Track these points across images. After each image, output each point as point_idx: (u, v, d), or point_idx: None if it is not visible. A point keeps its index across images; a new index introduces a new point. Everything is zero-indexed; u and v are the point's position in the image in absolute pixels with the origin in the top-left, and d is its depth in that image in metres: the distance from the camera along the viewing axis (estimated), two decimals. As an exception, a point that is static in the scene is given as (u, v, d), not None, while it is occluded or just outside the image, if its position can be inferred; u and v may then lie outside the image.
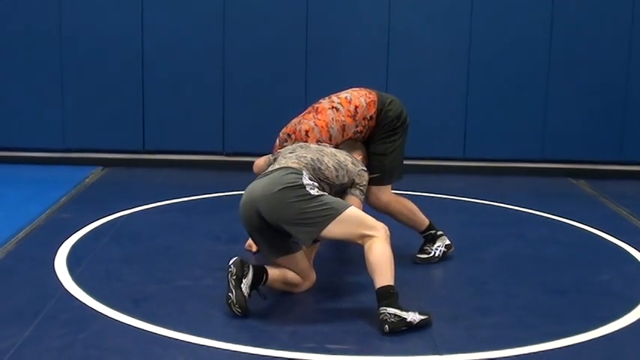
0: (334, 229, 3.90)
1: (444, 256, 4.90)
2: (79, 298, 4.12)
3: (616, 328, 3.90)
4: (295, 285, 4.22)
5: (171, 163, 7.68)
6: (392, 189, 4.82)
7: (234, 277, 3.88)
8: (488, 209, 6.33)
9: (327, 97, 4.73)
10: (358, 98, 4.64)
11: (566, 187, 7.32)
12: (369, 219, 3.97)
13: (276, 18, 7.52)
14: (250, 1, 7.51)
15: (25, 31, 7.47)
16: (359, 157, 4.57)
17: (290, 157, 4.17)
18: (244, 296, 3.87)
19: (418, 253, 4.90)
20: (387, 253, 3.83)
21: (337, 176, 4.18)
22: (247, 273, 3.92)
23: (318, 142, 4.47)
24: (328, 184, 4.14)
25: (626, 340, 3.80)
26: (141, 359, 3.49)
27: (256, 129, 7.42)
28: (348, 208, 3.94)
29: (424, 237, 4.91)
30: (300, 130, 4.54)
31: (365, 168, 4.42)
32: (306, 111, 4.72)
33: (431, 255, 4.88)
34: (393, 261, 3.85)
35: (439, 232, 4.92)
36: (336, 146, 4.52)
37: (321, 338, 3.69)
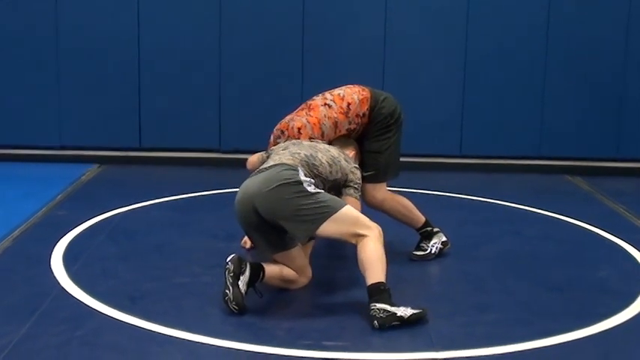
0: (329, 228, 3.91)
1: (441, 253, 4.90)
2: (75, 295, 4.11)
3: (612, 325, 3.91)
4: (292, 281, 4.22)
5: (167, 161, 7.67)
6: (388, 186, 4.81)
7: (232, 275, 3.88)
8: (485, 206, 6.33)
9: (320, 94, 4.73)
10: (351, 95, 4.64)
11: (563, 185, 7.32)
12: (364, 219, 3.98)
13: (273, 16, 7.52)
14: (247, 0, 7.50)
15: (22, 29, 7.46)
16: (352, 154, 4.57)
17: (284, 153, 4.17)
18: (241, 293, 3.87)
19: (414, 250, 4.89)
20: (378, 251, 3.85)
21: (331, 172, 4.18)
22: (245, 270, 3.92)
23: (310, 138, 4.47)
24: (322, 180, 4.14)
25: (623, 337, 3.81)
26: (137, 357, 3.49)
27: (253, 126, 7.41)
28: (344, 207, 3.95)
29: (420, 234, 4.91)
30: (292, 127, 4.54)
31: (357, 165, 4.42)
32: (299, 108, 4.72)
33: (427, 252, 4.88)
34: (384, 259, 3.86)
35: (435, 229, 4.92)
36: (329, 143, 4.52)
37: (318, 335, 3.69)
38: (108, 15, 7.47)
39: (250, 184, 4.03)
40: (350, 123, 4.61)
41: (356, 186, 4.33)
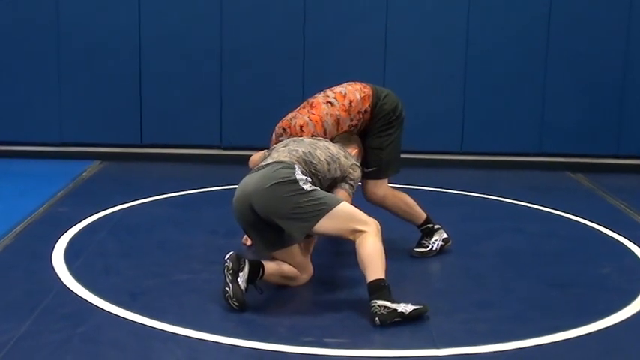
0: (326, 225, 3.91)
1: (442, 250, 4.90)
2: (76, 292, 4.11)
3: (614, 322, 3.91)
4: (292, 278, 4.22)
5: (168, 157, 7.67)
6: (389, 183, 4.81)
7: (231, 271, 3.88)
8: (486, 203, 6.33)
9: (322, 92, 4.72)
10: (353, 92, 4.63)
11: (564, 181, 7.32)
12: (361, 214, 3.98)
13: (274, 13, 7.51)
14: (247, -4, 7.52)
15: (23, 26, 7.46)
16: (355, 151, 4.56)
17: (282, 151, 4.17)
18: (241, 290, 3.88)
19: (415, 247, 4.89)
20: (377, 247, 3.84)
21: (329, 170, 4.18)
22: (243, 267, 3.92)
23: (312, 136, 4.46)
24: (320, 177, 4.14)
25: (624, 334, 3.81)
26: (138, 353, 3.50)
27: (253, 123, 7.42)
28: (340, 204, 3.95)
29: (421, 231, 4.91)
30: (294, 125, 4.54)
31: (357, 163, 4.41)
32: (301, 105, 4.71)
33: (428, 249, 4.88)
34: (384, 255, 3.86)
35: (436, 226, 4.92)
36: (332, 140, 4.51)
37: (319, 332, 3.70)
38: (109, 12, 7.47)
39: (247, 182, 4.03)
40: (352, 120, 4.61)
41: (351, 182, 4.31)
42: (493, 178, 7.32)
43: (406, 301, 3.80)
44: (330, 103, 4.59)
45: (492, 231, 5.49)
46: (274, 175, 3.94)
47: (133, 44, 7.49)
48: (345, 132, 4.63)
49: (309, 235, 4.15)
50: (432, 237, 4.89)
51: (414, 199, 4.90)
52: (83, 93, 7.57)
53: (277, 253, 4.15)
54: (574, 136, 7.68)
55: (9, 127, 7.57)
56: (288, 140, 4.36)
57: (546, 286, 4.45)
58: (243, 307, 3.88)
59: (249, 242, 4.83)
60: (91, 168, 7.22)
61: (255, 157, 4.63)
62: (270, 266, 4.10)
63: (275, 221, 3.94)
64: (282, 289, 4.22)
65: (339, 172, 4.24)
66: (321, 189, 4.08)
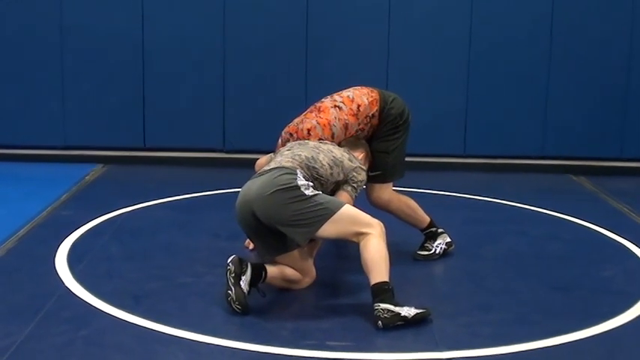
0: (329, 229, 3.90)
1: (445, 254, 4.90)
2: (79, 295, 4.12)
3: (616, 325, 3.90)
4: (295, 282, 4.22)
5: (171, 161, 7.68)
6: (393, 187, 4.81)
7: (233, 275, 3.88)
8: (489, 206, 6.33)
9: (329, 96, 4.72)
10: (360, 97, 4.63)
11: (567, 184, 7.31)
12: (364, 216, 3.97)
13: (277, 15, 7.52)
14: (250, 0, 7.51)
15: (26, 28, 7.47)
16: (362, 155, 4.56)
17: (286, 155, 4.16)
18: (244, 293, 3.88)
19: (419, 250, 4.89)
20: (381, 249, 3.84)
21: (332, 174, 4.17)
22: (246, 270, 3.92)
23: (320, 140, 4.46)
24: (323, 182, 4.13)
25: (627, 337, 3.81)
26: (141, 356, 3.50)
27: (256, 126, 7.43)
28: (343, 207, 3.94)
29: (425, 234, 4.91)
30: (302, 129, 4.54)
31: (362, 166, 4.40)
32: (308, 110, 4.71)
33: (431, 252, 4.88)
34: (387, 257, 3.85)
35: (440, 230, 4.92)
36: (339, 144, 4.51)
37: (322, 335, 3.70)
38: (112, 15, 7.48)
39: (249, 188, 4.03)
40: (360, 124, 4.61)
41: (354, 184, 4.30)
42: (496, 181, 7.32)
43: (409, 305, 3.80)
44: (338, 107, 4.58)
45: (495, 234, 5.49)
46: (276, 182, 3.93)
47: (136, 47, 7.50)
48: (352, 136, 4.63)
49: (312, 240, 4.14)
50: (436, 240, 4.89)
51: (417, 203, 4.90)
52: (86, 96, 7.57)
53: (280, 258, 4.15)
54: (577, 139, 7.67)
55: (12, 130, 7.58)
56: (293, 143, 4.36)
57: (549, 289, 4.45)
58: (245, 311, 3.88)
59: (251, 246, 4.83)
60: (94, 171, 7.23)
61: (262, 160, 4.63)
62: (272, 270, 4.10)
63: (278, 227, 3.93)
64: (284, 292, 4.22)
65: (342, 176, 4.24)
66: (325, 193, 4.08)
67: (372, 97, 4.65)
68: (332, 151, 4.25)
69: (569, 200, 6.61)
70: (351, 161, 4.29)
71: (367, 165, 4.57)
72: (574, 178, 7.50)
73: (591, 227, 5.66)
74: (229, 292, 3.88)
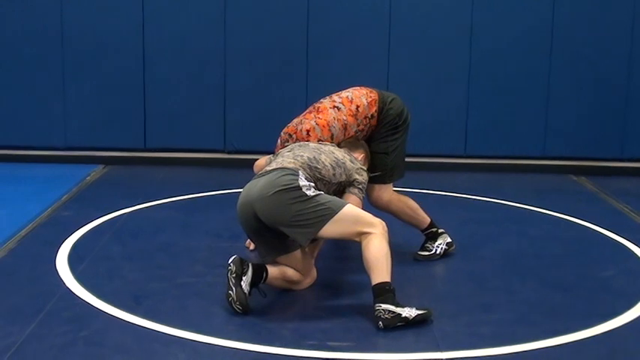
0: (331, 229, 3.90)
1: (445, 254, 4.90)
2: (80, 295, 4.12)
3: (617, 325, 3.90)
4: (295, 282, 4.22)
5: (172, 161, 7.68)
6: (393, 187, 4.81)
7: (234, 275, 3.89)
8: (490, 206, 6.33)
9: (328, 97, 4.72)
10: (359, 97, 4.63)
11: (568, 184, 7.31)
12: (366, 216, 3.97)
13: (278, 16, 7.52)
14: (251, 1, 7.50)
15: (27, 30, 7.47)
16: (361, 156, 4.56)
17: (287, 156, 4.16)
18: (244, 293, 3.88)
19: (419, 251, 4.90)
20: (383, 249, 3.83)
21: (334, 174, 4.17)
22: (247, 271, 3.92)
23: (319, 140, 4.46)
24: (325, 182, 4.13)
25: (628, 337, 3.80)
26: (142, 357, 3.50)
27: (257, 127, 7.42)
28: (345, 207, 3.94)
29: (425, 235, 4.91)
30: (301, 130, 4.54)
31: (364, 167, 4.41)
32: (307, 110, 4.71)
33: (432, 252, 4.88)
34: (389, 257, 3.85)
35: (440, 230, 4.92)
36: (338, 145, 4.51)
37: (323, 335, 3.70)
38: (113, 16, 7.48)
39: (250, 189, 4.03)
40: (359, 125, 4.61)
41: (360, 186, 4.31)
42: (497, 181, 7.32)
43: (410, 305, 3.80)
44: (337, 107, 4.58)
45: (496, 234, 5.49)
46: (277, 182, 3.93)
47: (136, 48, 7.50)
48: (351, 137, 4.63)
49: (314, 240, 4.15)
50: (436, 241, 4.89)
51: (418, 203, 4.90)
52: (87, 97, 7.58)
53: (281, 258, 4.15)
54: (578, 139, 7.67)
55: (13, 131, 7.59)
56: (293, 145, 4.35)
57: (550, 289, 4.45)
58: (246, 311, 3.88)
59: (252, 246, 4.83)
60: (95, 172, 7.23)
61: (261, 161, 4.63)
62: (273, 270, 4.10)
63: (279, 228, 3.94)
64: (285, 292, 4.22)
65: (344, 177, 4.23)
66: (327, 194, 4.08)
67: (370, 97, 4.65)
68: (333, 153, 4.25)
69: (570, 200, 6.61)
70: (352, 162, 4.29)
71: (367, 165, 4.57)
72: (575, 178, 7.50)
73: (592, 227, 5.66)
74: (230, 292, 3.88)
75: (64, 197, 6.20)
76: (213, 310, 3.98)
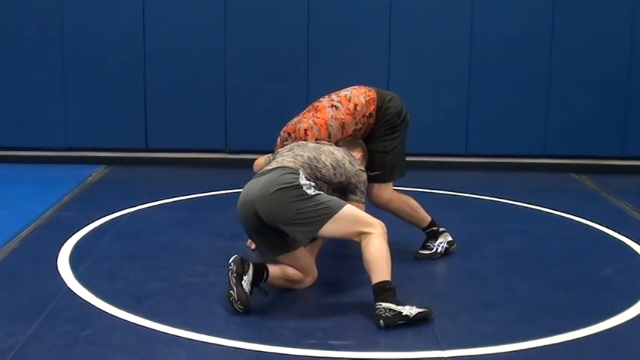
0: (331, 228, 3.91)
1: (446, 253, 4.90)
2: (81, 296, 4.13)
3: (618, 323, 3.91)
4: (296, 281, 4.23)
5: (173, 161, 7.69)
6: (393, 186, 4.82)
7: (235, 275, 3.89)
8: (491, 205, 6.33)
9: (326, 96, 4.73)
10: (357, 96, 4.64)
11: (569, 183, 7.31)
12: (366, 216, 3.99)
13: (278, 16, 7.52)
14: (252, 1, 7.51)
15: (27, 30, 7.48)
16: (359, 155, 4.56)
17: (287, 155, 4.17)
18: (245, 293, 3.89)
19: (420, 250, 4.90)
20: (383, 249, 3.84)
21: (335, 174, 4.18)
22: (247, 270, 3.93)
23: (316, 140, 4.47)
24: (326, 182, 4.14)
25: (628, 335, 3.81)
26: (144, 356, 3.51)
27: (258, 127, 7.42)
28: (345, 207, 3.95)
29: (426, 233, 4.91)
30: (299, 129, 4.55)
31: (363, 168, 4.41)
32: (306, 110, 4.72)
33: (433, 251, 4.88)
34: (389, 257, 3.86)
35: (441, 229, 4.92)
36: (336, 144, 4.52)
37: (324, 334, 3.70)
38: (113, 16, 7.48)
39: (251, 187, 4.04)
40: (356, 123, 4.61)
41: (361, 188, 4.32)
42: (497, 180, 7.32)
43: (411, 304, 3.81)
44: (335, 106, 4.59)
45: (497, 233, 5.49)
46: (278, 181, 3.94)
47: (137, 48, 7.51)
48: (349, 136, 4.64)
49: (314, 239, 4.15)
50: (437, 240, 4.90)
51: (419, 202, 4.90)
52: (88, 97, 7.58)
53: (282, 257, 4.16)
54: (579, 138, 7.67)
55: (14, 131, 7.59)
56: (292, 144, 4.36)
57: (551, 287, 4.45)
58: (247, 310, 3.89)
59: (253, 246, 4.83)
60: (96, 172, 7.24)
61: (260, 160, 4.64)
62: (274, 269, 4.11)
63: (280, 227, 3.94)
64: (286, 292, 4.23)
65: (344, 177, 4.24)
66: (327, 193, 4.09)
67: (369, 96, 4.65)
68: (333, 153, 4.25)
69: (571, 199, 6.61)
70: (351, 164, 4.29)
71: (364, 164, 4.57)
72: (576, 176, 7.50)
73: (593, 225, 5.67)
74: (231, 292, 3.89)
75: (66, 198, 6.21)
76: (214, 309, 3.99)
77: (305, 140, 4.46)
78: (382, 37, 7.53)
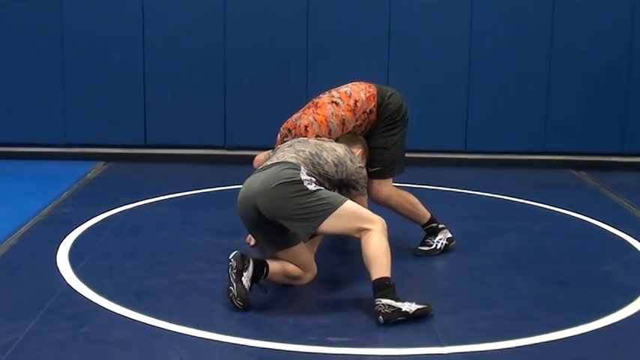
0: (331, 224, 3.91)
1: (446, 249, 4.90)
2: (81, 292, 4.13)
3: (618, 319, 3.91)
4: (296, 278, 4.23)
5: (172, 158, 7.68)
6: (393, 182, 4.81)
7: (235, 271, 3.89)
8: (490, 201, 6.33)
9: (327, 92, 4.72)
10: (358, 92, 4.63)
11: (568, 179, 7.31)
12: (366, 212, 3.99)
13: (278, 11, 7.52)
14: (251, -3, 7.53)
15: (27, 27, 7.47)
16: (359, 151, 4.56)
17: (288, 151, 4.16)
18: (245, 289, 3.88)
19: (419, 246, 4.90)
20: (383, 245, 3.84)
21: (337, 171, 4.17)
22: (247, 266, 3.93)
23: (317, 136, 4.46)
24: (328, 178, 4.14)
25: (628, 331, 3.81)
26: (143, 353, 3.50)
27: (257, 123, 7.43)
28: (345, 203, 3.95)
29: (426, 230, 4.91)
30: (299, 126, 4.54)
31: (362, 164, 4.41)
32: (306, 106, 4.71)
33: (432, 247, 4.88)
34: (389, 253, 3.86)
35: (441, 225, 4.92)
36: (336, 140, 4.51)
37: (323, 331, 3.70)
38: (113, 12, 7.48)
39: (252, 182, 4.04)
40: (357, 120, 4.61)
41: (362, 183, 4.33)
42: (497, 177, 7.32)
43: (410, 300, 3.81)
44: (335, 103, 4.59)
45: (496, 229, 5.49)
46: (279, 176, 3.94)
47: (136, 44, 7.50)
48: (349, 132, 4.63)
49: (314, 235, 4.15)
50: (437, 236, 4.90)
51: (418, 198, 4.90)
52: (87, 94, 7.58)
53: (281, 253, 4.16)
54: (578, 134, 7.67)
55: (13, 128, 7.59)
56: (293, 141, 4.36)
57: (550, 283, 4.45)
58: (247, 307, 3.88)
59: (252, 242, 4.84)
60: (96, 169, 7.24)
61: (260, 156, 4.64)
62: (274, 266, 4.10)
63: (280, 222, 3.94)
64: (286, 288, 4.23)
65: (345, 175, 4.24)
66: (328, 190, 4.09)
67: (369, 92, 4.65)
68: (335, 150, 4.25)
69: (571, 195, 6.62)
70: (352, 162, 4.28)
71: (364, 161, 4.57)
72: (575, 173, 7.50)
73: (592, 222, 5.66)
74: (231, 288, 3.89)
75: (65, 194, 6.20)
76: (213, 306, 3.99)
77: (305, 137, 4.45)
78: (382, 34, 7.52)
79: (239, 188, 4.14)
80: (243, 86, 7.59)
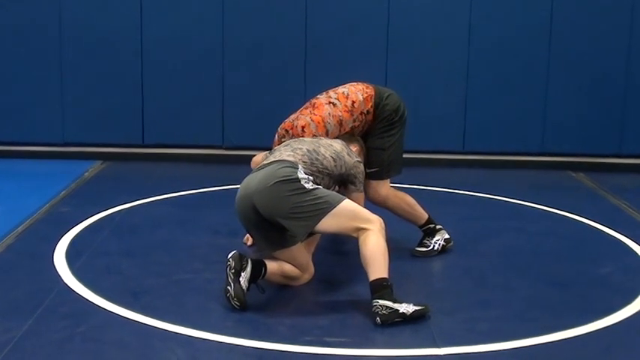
0: (329, 223, 3.90)
1: (443, 250, 4.90)
2: (78, 291, 4.12)
3: (615, 321, 3.91)
4: (294, 278, 4.23)
5: (170, 157, 7.68)
6: (390, 183, 4.81)
7: (233, 271, 3.89)
8: (488, 202, 6.33)
9: (324, 93, 4.72)
10: (355, 93, 4.63)
11: (566, 181, 7.32)
12: (364, 212, 3.98)
13: (276, 11, 7.51)
14: (249, -4, 7.52)
15: (25, 26, 7.46)
16: (356, 149, 4.56)
17: (285, 150, 4.17)
18: (242, 289, 3.88)
19: (417, 247, 4.89)
20: (381, 245, 3.84)
21: (336, 166, 4.18)
22: (246, 266, 3.92)
23: (314, 136, 4.46)
24: (327, 174, 4.13)
25: (625, 333, 3.81)
26: (140, 352, 3.50)
27: (255, 123, 7.42)
28: (343, 202, 3.94)
29: (423, 231, 4.91)
30: (296, 126, 4.54)
31: (360, 159, 4.41)
32: (304, 106, 4.71)
33: (430, 248, 4.88)
34: (387, 253, 3.85)
35: (438, 226, 4.92)
36: (333, 140, 4.52)
37: (320, 331, 3.70)
38: (111, 11, 7.47)
39: (249, 181, 4.04)
40: (354, 120, 4.61)
41: (360, 179, 4.33)
42: (495, 178, 7.32)
43: (408, 301, 3.80)
44: (333, 104, 4.59)
45: (494, 230, 5.49)
46: (277, 174, 3.94)
47: (134, 44, 7.49)
48: (347, 132, 4.63)
49: (312, 234, 4.15)
50: (434, 237, 4.89)
51: (416, 199, 4.90)
52: (85, 93, 7.57)
53: (279, 253, 4.15)
54: (576, 136, 7.67)
55: (11, 127, 7.58)
56: (289, 141, 4.36)
57: (547, 285, 4.45)
58: (244, 307, 3.88)
59: (250, 242, 4.84)
60: (93, 168, 7.23)
61: (257, 157, 4.64)
62: (272, 266, 4.10)
63: (277, 220, 3.94)
64: (283, 288, 4.23)
65: (344, 169, 4.24)
66: (328, 186, 4.09)
67: (367, 93, 4.65)
68: (332, 145, 4.25)
69: (568, 197, 6.62)
70: (349, 155, 4.29)
71: (361, 160, 4.57)
72: (573, 174, 7.50)
73: (590, 224, 5.67)
74: (228, 288, 3.88)
75: (62, 193, 6.20)
76: (210, 306, 3.98)
77: (302, 137, 4.45)
78: (380, 34, 7.52)
79: (237, 188, 4.14)
80: (242, 86, 7.59)
